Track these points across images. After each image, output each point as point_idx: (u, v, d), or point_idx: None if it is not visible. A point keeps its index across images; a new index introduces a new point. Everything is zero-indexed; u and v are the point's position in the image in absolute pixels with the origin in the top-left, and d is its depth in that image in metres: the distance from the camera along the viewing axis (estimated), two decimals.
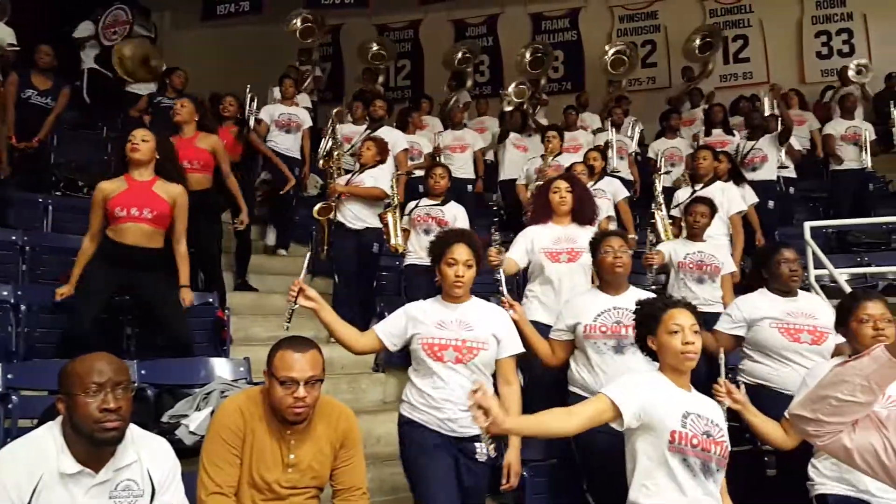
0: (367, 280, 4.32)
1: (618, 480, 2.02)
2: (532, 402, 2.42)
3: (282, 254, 5.38)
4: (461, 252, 2.29)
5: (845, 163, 5.75)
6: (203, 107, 4.11)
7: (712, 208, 3.69)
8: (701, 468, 1.85)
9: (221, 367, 3.01)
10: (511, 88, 6.85)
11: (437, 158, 5.80)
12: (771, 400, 2.45)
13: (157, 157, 3.11)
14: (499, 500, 2.65)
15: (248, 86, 5.33)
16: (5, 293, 3.07)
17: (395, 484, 2.67)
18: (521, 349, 2.40)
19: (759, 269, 2.88)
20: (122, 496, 1.65)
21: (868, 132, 5.73)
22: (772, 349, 2.66)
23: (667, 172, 5.56)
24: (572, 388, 2.59)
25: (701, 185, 4.40)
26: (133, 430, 1.72)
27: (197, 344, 3.27)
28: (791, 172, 5.78)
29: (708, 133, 6.13)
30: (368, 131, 5.11)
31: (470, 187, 5.99)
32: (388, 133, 5.11)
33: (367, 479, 2.10)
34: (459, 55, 7.69)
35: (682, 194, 4.42)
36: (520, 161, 5.79)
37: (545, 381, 2.83)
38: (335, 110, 5.66)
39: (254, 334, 4.09)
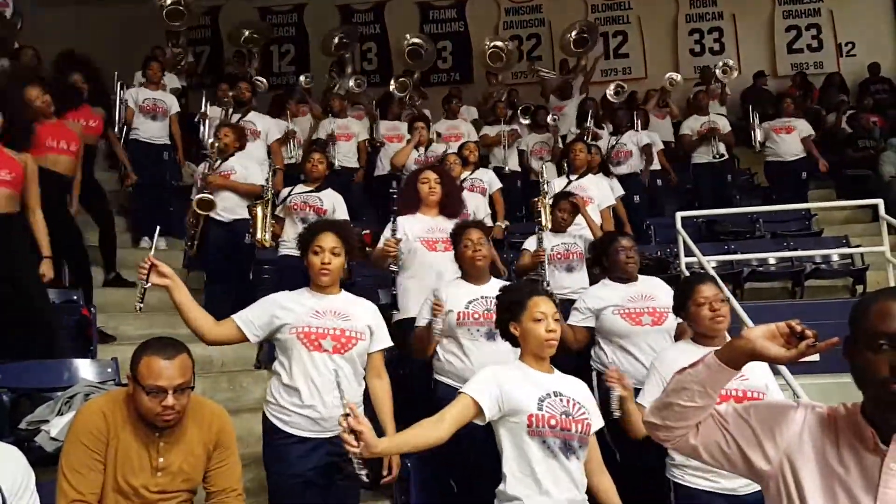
0: (240, 274, 4.22)
1: (480, 472, 2.08)
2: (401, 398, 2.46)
3: (160, 247, 5.14)
4: (327, 240, 2.27)
5: (701, 157, 6.19)
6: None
7: (575, 207, 3.83)
8: (561, 448, 1.87)
9: (86, 369, 2.88)
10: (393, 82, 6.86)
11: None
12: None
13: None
14: (378, 495, 2.71)
15: (116, 72, 5.03)
16: None
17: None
18: (391, 343, 2.43)
19: (599, 260, 3.02)
20: None
21: (720, 126, 6.17)
22: (618, 335, 2.79)
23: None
24: (440, 378, 2.66)
25: (576, 175, 4.60)
26: None
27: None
28: (657, 164, 6.20)
29: (579, 126, 6.38)
30: (237, 116, 4.97)
31: (355, 176, 5.99)
32: (258, 119, 5.01)
33: (245, 479, 2.07)
34: (336, 40, 7.58)
35: (558, 184, 4.55)
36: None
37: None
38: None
39: (124, 332, 3.91)
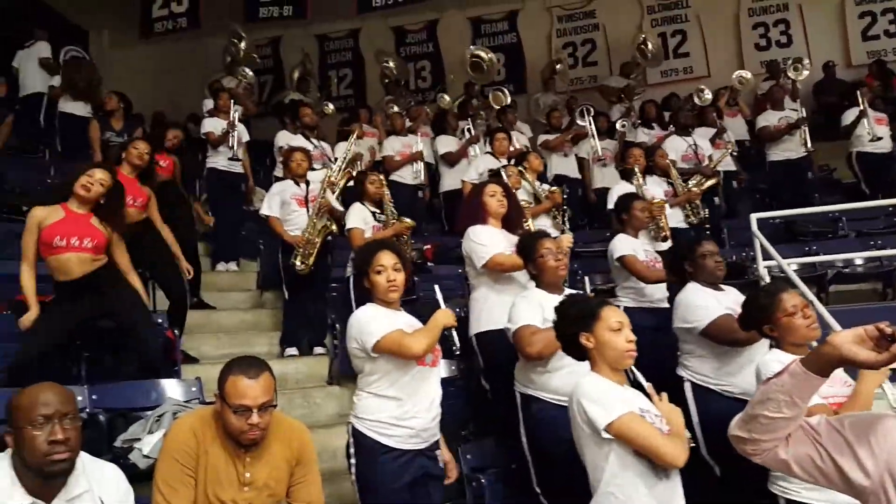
0: (319, 293, 4.30)
1: (572, 485, 2.03)
2: None
3: (232, 269, 5.37)
4: (387, 258, 2.32)
5: (781, 153, 5.94)
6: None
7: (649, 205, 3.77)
8: (652, 464, 1.81)
9: (173, 389, 3.01)
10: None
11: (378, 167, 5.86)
12: (715, 402, 2.51)
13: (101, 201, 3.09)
14: None
15: (233, 104, 5.41)
16: None
17: (355, 499, 2.72)
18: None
19: (681, 264, 2.89)
20: None
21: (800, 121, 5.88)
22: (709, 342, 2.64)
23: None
24: (528, 391, 2.59)
25: (639, 181, 4.50)
26: (84, 459, 1.73)
27: None
28: (731, 165, 5.98)
29: (650, 129, 6.27)
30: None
31: (420, 193, 6.05)
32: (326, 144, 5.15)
33: (323, 494, 2.11)
34: (392, 66, 7.74)
35: (619, 191, 4.40)
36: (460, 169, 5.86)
37: None
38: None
39: (204, 353, 4.07)
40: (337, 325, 4.04)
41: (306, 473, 2.07)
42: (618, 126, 6.32)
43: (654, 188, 4.57)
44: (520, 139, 6.37)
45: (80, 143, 5.54)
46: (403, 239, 4.10)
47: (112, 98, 5.50)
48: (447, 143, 6.22)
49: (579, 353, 2.02)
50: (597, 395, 1.87)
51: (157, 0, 7.63)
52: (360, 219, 4.04)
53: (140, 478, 2.19)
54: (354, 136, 5.02)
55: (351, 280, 3.93)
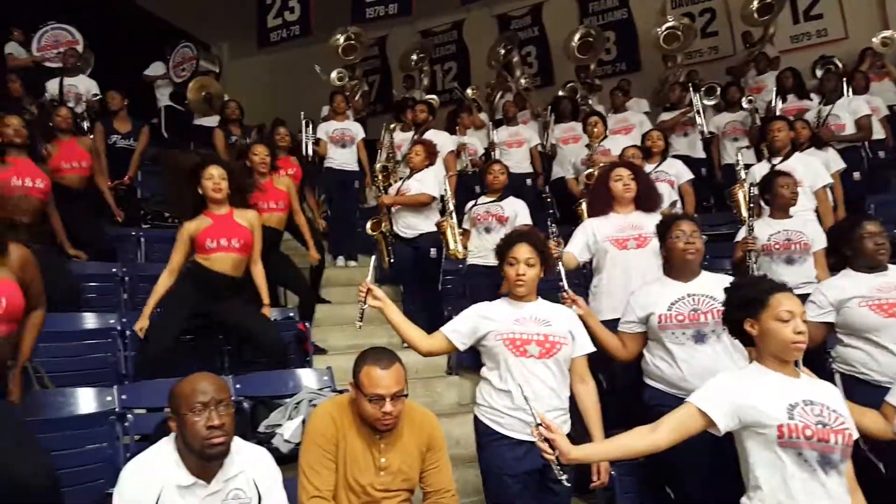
0: (431, 286, 4.36)
1: (708, 479, 1.95)
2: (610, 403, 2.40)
3: (352, 265, 5.56)
4: (522, 251, 2.31)
5: None
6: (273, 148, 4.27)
7: (795, 181, 3.43)
8: (819, 461, 1.68)
9: (308, 378, 3.17)
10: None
11: (493, 155, 5.84)
12: (866, 394, 2.30)
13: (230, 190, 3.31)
14: (588, 499, 2.64)
15: (302, 112, 5.56)
16: (112, 321, 3.33)
17: (479, 486, 2.74)
18: (593, 348, 2.39)
19: (839, 248, 2.65)
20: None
21: None
22: (867, 330, 2.44)
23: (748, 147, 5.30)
24: (649, 381, 2.52)
25: (780, 158, 4.09)
26: (237, 443, 1.85)
27: None
28: (880, 133, 5.40)
29: (784, 101, 5.77)
30: (416, 136, 5.19)
31: (529, 181, 5.97)
32: (434, 135, 5.18)
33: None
34: (502, 51, 7.65)
35: (759, 170, 4.05)
36: (568, 156, 5.72)
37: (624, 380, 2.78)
38: (387, 125, 5.75)
39: (332, 344, 4.26)
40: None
41: (438, 460, 2.12)
42: (744, 104, 5.86)
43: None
44: (632, 118, 6.12)
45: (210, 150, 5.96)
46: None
47: (233, 106, 5.86)
48: (564, 130, 6.10)
49: (746, 339, 1.92)
50: (710, 385, 1.85)
51: (272, 10, 8.06)
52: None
53: (281, 461, 2.29)
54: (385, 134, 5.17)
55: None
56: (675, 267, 2.54)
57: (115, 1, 8.37)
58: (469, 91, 7.40)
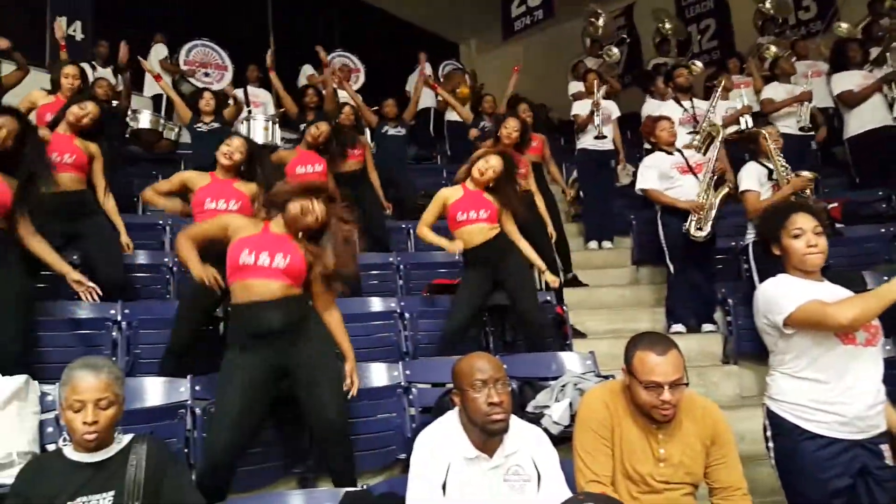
0: (707, 265, 4.02)
1: None
2: None
3: (606, 246, 5.42)
4: (806, 221, 2.05)
5: None
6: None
7: None
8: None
9: (571, 361, 3.17)
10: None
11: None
12: None
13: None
14: None
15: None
16: (392, 304, 3.70)
17: (774, 486, 2.45)
18: None
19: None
20: (514, 479, 1.84)
21: None
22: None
23: None
24: None
25: None
26: (514, 421, 1.91)
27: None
28: None
29: None
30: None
31: (812, 144, 5.22)
32: (700, 103, 4.79)
33: None
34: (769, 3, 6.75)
35: None
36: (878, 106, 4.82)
37: None
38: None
39: (590, 328, 4.19)
40: (729, 300, 3.70)
41: (725, 454, 1.96)
42: None
43: None
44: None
45: (465, 146, 6.28)
46: (804, 196, 3.53)
47: (490, 100, 6.07)
48: (846, 81, 5.16)
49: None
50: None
51: (515, 0, 8.22)
52: (755, 179, 3.65)
53: (552, 442, 2.32)
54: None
55: (750, 249, 3.62)
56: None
57: (373, 16, 9.31)
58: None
